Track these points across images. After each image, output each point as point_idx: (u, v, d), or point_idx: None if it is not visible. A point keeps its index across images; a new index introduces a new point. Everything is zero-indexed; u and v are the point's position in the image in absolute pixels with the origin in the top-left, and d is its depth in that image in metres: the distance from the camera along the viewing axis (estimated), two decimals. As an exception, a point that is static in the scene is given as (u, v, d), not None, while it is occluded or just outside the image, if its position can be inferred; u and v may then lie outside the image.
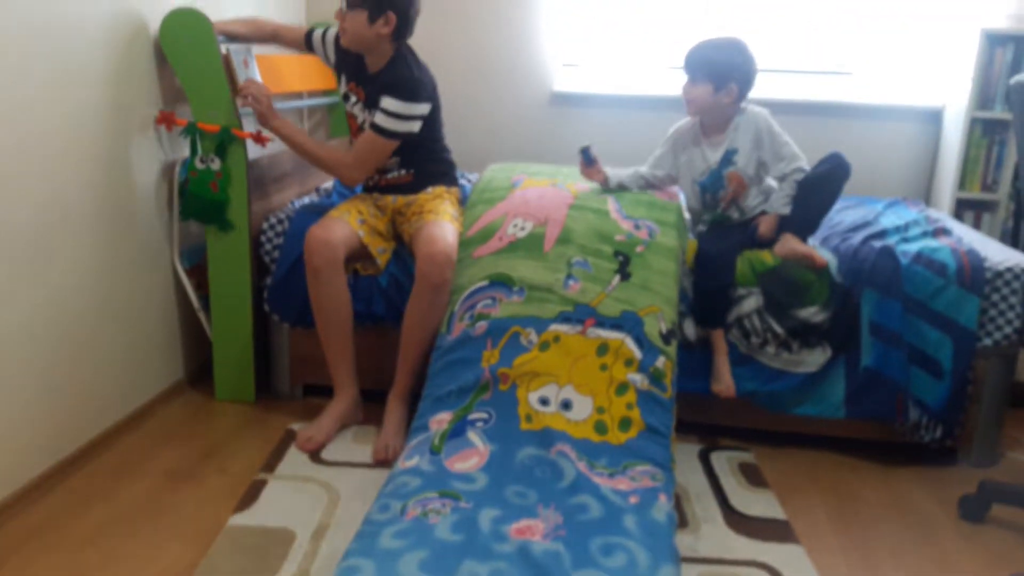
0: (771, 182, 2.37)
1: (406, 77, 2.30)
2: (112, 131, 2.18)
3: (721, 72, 2.25)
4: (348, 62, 2.41)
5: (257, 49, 2.69)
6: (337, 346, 2.32)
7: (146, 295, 2.39)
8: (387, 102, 2.28)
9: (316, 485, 2.03)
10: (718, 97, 2.27)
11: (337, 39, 2.38)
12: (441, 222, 2.32)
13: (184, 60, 2.32)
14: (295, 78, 3.02)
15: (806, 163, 2.29)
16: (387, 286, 2.37)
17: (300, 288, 2.37)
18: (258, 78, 2.61)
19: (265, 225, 2.47)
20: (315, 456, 2.18)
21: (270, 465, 2.12)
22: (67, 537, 1.81)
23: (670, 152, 2.45)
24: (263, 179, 2.52)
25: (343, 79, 2.45)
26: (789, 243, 2.26)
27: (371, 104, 2.35)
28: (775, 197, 2.33)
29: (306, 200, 2.69)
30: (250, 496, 1.96)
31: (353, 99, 2.43)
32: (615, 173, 2.50)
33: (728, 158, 2.33)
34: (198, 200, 2.37)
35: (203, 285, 2.51)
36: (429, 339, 2.24)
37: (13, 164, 1.83)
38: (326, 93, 3.32)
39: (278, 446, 2.23)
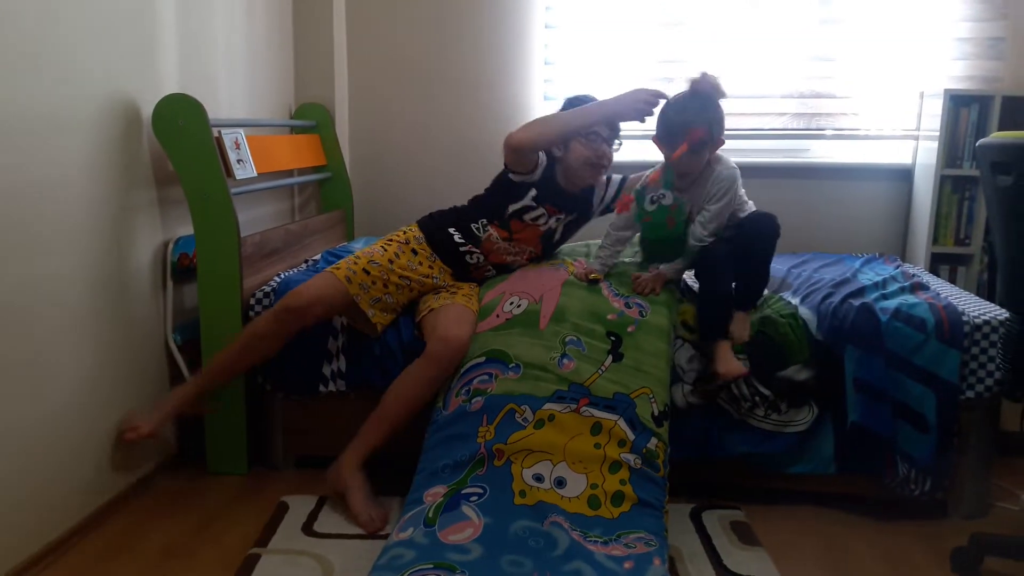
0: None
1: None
2: (105, 211, 2.23)
3: (717, 132, 2.24)
4: (550, 188, 2.42)
5: (248, 130, 2.77)
6: (235, 368, 2.37)
7: (139, 371, 2.42)
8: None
9: (310, 558, 2.02)
10: (711, 154, 2.28)
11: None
12: (458, 306, 2.33)
13: (177, 144, 2.39)
14: (286, 156, 3.10)
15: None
16: (380, 355, 2.41)
17: (294, 357, 2.42)
18: (249, 159, 2.68)
19: (252, 300, 2.52)
20: (307, 528, 2.18)
21: (264, 539, 2.12)
22: (61, 620, 1.80)
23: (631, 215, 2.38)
24: (254, 255, 2.58)
25: (532, 196, 2.41)
26: (740, 331, 2.29)
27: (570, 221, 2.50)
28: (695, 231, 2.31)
29: (292, 272, 2.74)
30: (244, 571, 1.95)
31: (539, 213, 2.44)
32: (597, 257, 2.46)
33: (679, 203, 2.29)
34: (659, 243, 2.32)
35: (196, 361, 2.54)
36: (410, 415, 2.25)
37: (5, 244, 1.87)
38: (316, 170, 3.41)
39: (271, 518, 2.23)
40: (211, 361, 2.40)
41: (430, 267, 2.46)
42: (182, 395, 2.38)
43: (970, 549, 2.04)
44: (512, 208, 2.43)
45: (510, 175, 2.42)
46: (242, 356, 2.36)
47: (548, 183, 2.43)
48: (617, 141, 2.43)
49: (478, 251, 2.47)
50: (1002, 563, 2.05)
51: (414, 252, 2.45)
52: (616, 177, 2.62)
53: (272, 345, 2.35)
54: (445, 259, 2.48)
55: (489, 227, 2.45)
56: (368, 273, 2.35)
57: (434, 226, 2.50)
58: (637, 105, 2.26)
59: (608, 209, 2.59)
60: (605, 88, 3.32)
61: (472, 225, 2.46)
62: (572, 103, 2.44)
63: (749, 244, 2.30)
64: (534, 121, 2.40)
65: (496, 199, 2.46)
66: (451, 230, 2.47)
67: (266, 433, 2.57)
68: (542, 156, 2.40)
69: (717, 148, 2.28)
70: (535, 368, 2.19)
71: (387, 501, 2.29)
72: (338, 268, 2.36)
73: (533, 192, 2.41)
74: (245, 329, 2.38)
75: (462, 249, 2.46)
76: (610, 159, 2.42)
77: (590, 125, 2.34)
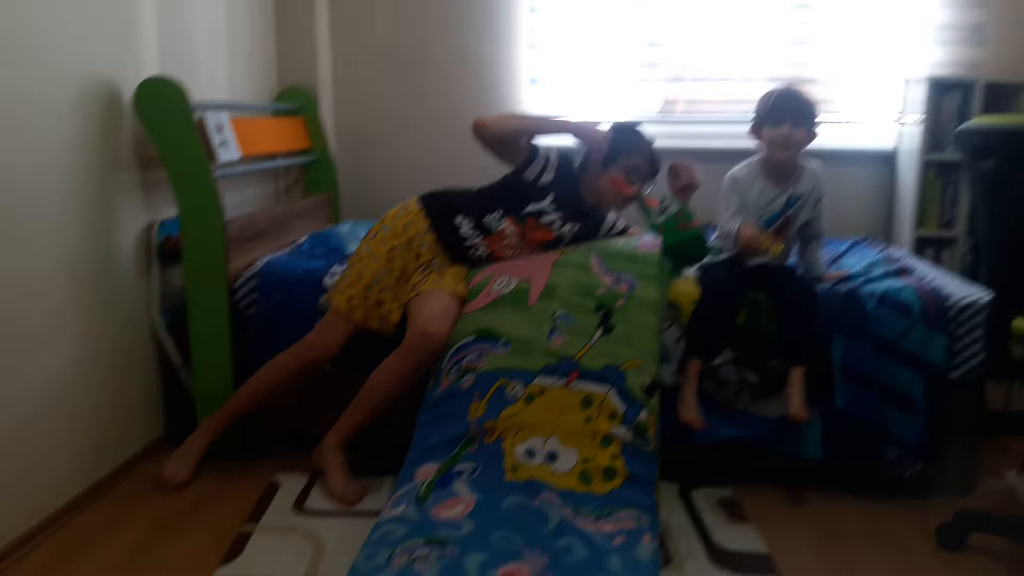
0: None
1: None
2: (89, 194, 2.21)
3: (815, 119, 2.41)
4: (569, 198, 2.43)
5: (231, 113, 2.75)
6: (253, 406, 2.39)
7: (126, 354, 2.40)
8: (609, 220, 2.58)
9: (301, 536, 2.02)
10: (808, 140, 2.41)
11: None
12: (444, 294, 2.31)
13: (158, 127, 2.36)
14: (270, 139, 3.08)
15: None
16: (368, 337, 2.40)
17: (280, 338, 2.41)
18: (233, 142, 2.66)
19: (238, 283, 2.50)
20: (298, 506, 2.18)
21: (255, 516, 2.11)
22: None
23: (737, 198, 2.46)
24: (239, 237, 2.55)
25: (551, 200, 2.42)
26: (798, 395, 2.27)
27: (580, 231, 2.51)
28: (817, 262, 2.57)
29: (277, 254, 2.71)
30: (236, 548, 1.95)
31: (554, 218, 2.44)
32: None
33: (792, 203, 2.45)
34: (679, 245, 2.38)
35: (183, 343, 2.52)
36: (389, 402, 2.27)
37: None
38: (300, 153, 3.38)
39: (262, 497, 2.23)
40: (229, 403, 2.39)
41: (427, 250, 2.41)
42: (203, 438, 2.38)
43: (955, 525, 2.07)
44: (531, 208, 2.42)
45: (522, 175, 2.41)
46: (263, 398, 2.39)
47: (568, 192, 2.43)
48: (651, 184, 2.48)
49: (484, 245, 2.44)
50: (987, 539, 2.08)
51: (419, 235, 2.40)
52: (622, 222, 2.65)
53: (294, 386, 2.40)
54: (445, 243, 2.43)
55: (505, 219, 2.42)
56: (382, 304, 2.35)
57: (439, 212, 2.44)
58: (601, 143, 2.37)
59: (611, 236, 2.60)
60: (589, 71, 3.33)
61: (487, 216, 2.43)
62: (563, 164, 2.44)
63: (789, 296, 2.34)
64: (505, 116, 2.53)
65: (515, 195, 2.43)
66: (458, 219, 2.43)
67: (256, 414, 2.55)
68: (548, 160, 2.41)
69: (814, 139, 2.44)
70: (524, 343, 2.19)
71: (379, 480, 2.30)
72: (352, 308, 2.33)
73: (552, 196, 2.41)
74: (265, 373, 2.37)
75: (467, 243, 2.43)
76: (635, 198, 2.45)
77: (547, 131, 2.41)
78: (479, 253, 2.45)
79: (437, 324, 2.23)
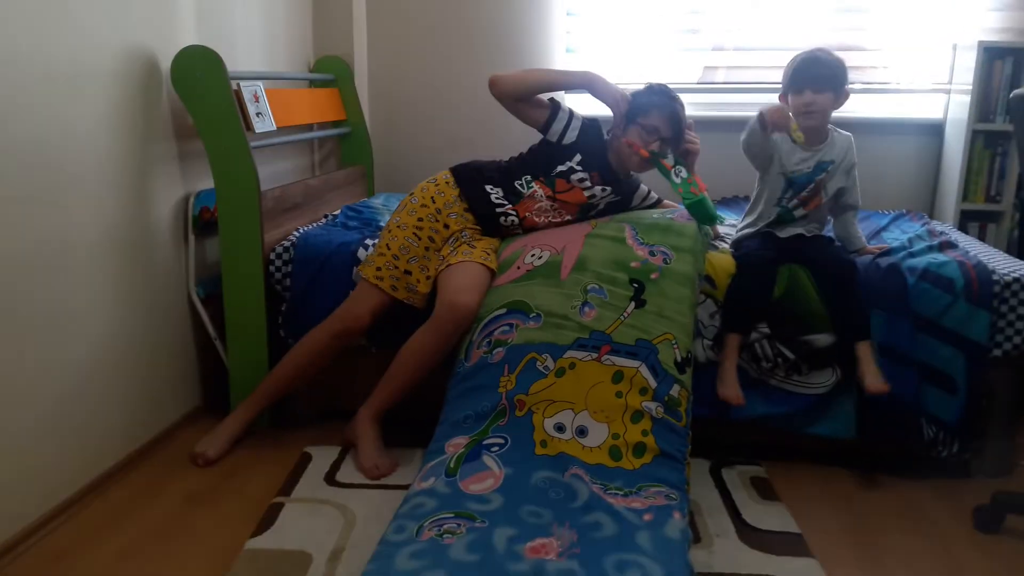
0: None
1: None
2: (126, 165, 2.24)
3: (840, 80, 2.35)
4: (597, 159, 2.44)
5: (267, 83, 2.75)
6: (290, 383, 2.41)
7: (163, 325, 2.44)
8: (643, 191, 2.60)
9: (332, 507, 2.05)
10: (836, 104, 2.36)
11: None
12: (474, 265, 2.31)
13: (196, 96, 2.37)
14: (305, 110, 3.08)
15: None
16: (400, 312, 2.41)
17: (314, 310, 2.43)
18: (269, 112, 2.67)
19: (272, 255, 2.52)
20: (330, 478, 2.21)
21: (287, 488, 2.15)
22: (90, 561, 1.84)
23: (779, 140, 2.40)
24: (274, 209, 2.57)
25: (578, 160, 2.43)
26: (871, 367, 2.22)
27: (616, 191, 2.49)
28: (855, 234, 2.51)
29: (311, 227, 2.73)
30: (267, 519, 1.98)
31: (584, 176, 2.44)
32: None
33: (823, 167, 2.39)
34: (694, 205, 2.34)
35: (218, 314, 2.56)
36: (421, 375, 2.27)
37: (29, 197, 1.88)
38: (335, 124, 3.39)
39: (294, 469, 2.26)
40: (266, 382, 2.40)
41: (460, 219, 2.42)
42: (239, 419, 2.39)
43: (992, 507, 2.03)
44: (559, 168, 2.42)
45: (546, 136, 2.44)
46: (299, 375, 2.40)
47: (595, 154, 2.43)
48: (671, 154, 2.39)
49: (515, 213, 2.44)
50: (1023, 522, 2.04)
51: (448, 204, 2.42)
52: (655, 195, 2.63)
53: (328, 362, 2.40)
54: (478, 215, 2.43)
55: (534, 183, 2.43)
56: (410, 273, 2.35)
57: (470, 178, 2.46)
58: (619, 100, 2.36)
59: (644, 207, 2.60)
60: (627, 40, 3.27)
61: (516, 182, 2.44)
62: (587, 129, 2.45)
63: (834, 274, 2.30)
64: (520, 72, 2.53)
65: (542, 159, 2.45)
66: (488, 187, 2.44)
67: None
68: (572, 118, 2.43)
69: (843, 101, 2.39)
70: (556, 317, 2.18)
71: (409, 453, 2.32)
72: (380, 278, 2.33)
73: (579, 157, 2.42)
74: (299, 350, 2.37)
75: (499, 210, 2.43)
76: (652, 160, 2.40)
77: (564, 86, 2.56)
78: (510, 220, 2.44)
79: (465, 295, 2.23)
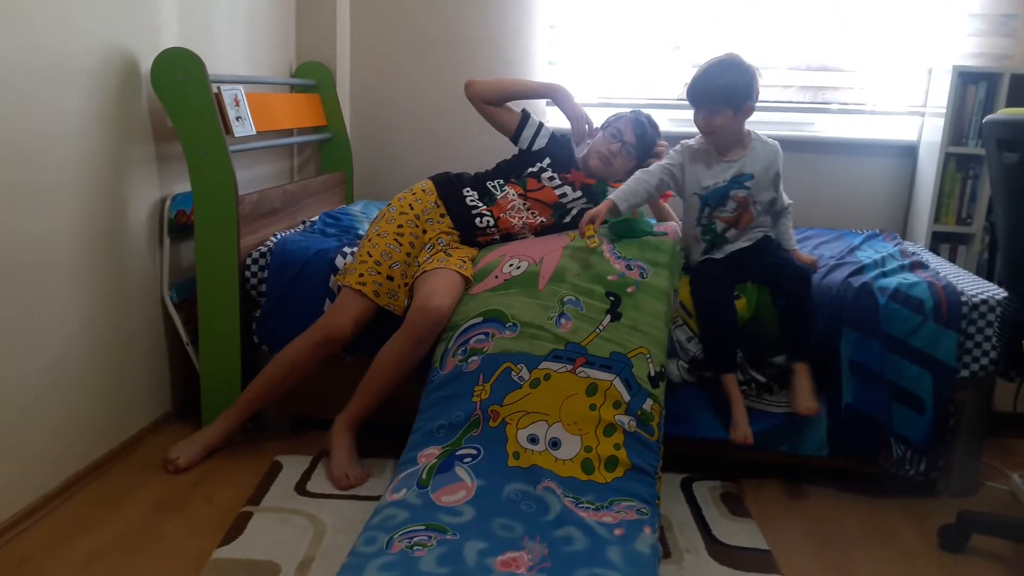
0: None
1: None
2: (103, 166, 2.21)
3: (737, 94, 2.26)
4: (566, 162, 2.56)
5: (247, 87, 2.74)
6: (271, 393, 2.37)
7: (135, 329, 2.42)
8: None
9: (302, 517, 2.04)
10: (737, 119, 2.30)
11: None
12: (448, 272, 2.33)
13: (175, 99, 2.36)
14: (285, 115, 3.07)
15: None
16: (375, 319, 2.40)
17: (289, 317, 2.42)
18: (249, 116, 2.66)
19: (248, 260, 2.51)
20: (300, 487, 2.19)
21: (256, 497, 2.13)
22: (57, 568, 1.81)
23: (678, 165, 2.39)
24: (252, 214, 2.56)
25: (548, 163, 2.55)
26: (805, 387, 2.26)
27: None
28: (786, 235, 2.47)
29: (288, 232, 2.72)
30: (236, 528, 1.97)
31: (553, 175, 2.55)
32: (617, 194, 2.38)
33: (740, 181, 2.34)
34: (620, 225, 2.45)
35: (192, 319, 2.54)
36: (396, 381, 2.27)
37: (1, 196, 1.86)
38: (316, 130, 3.38)
39: (264, 477, 2.24)
40: (247, 393, 2.37)
41: (437, 226, 2.47)
42: (219, 431, 2.37)
43: (957, 527, 2.05)
44: (530, 169, 2.55)
45: (518, 143, 2.60)
46: (280, 385, 2.37)
47: (564, 159, 2.56)
48: (632, 149, 2.50)
49: (489, 214, 2.49)
50: (989, 541, 2.07)
51: (425, 211, 2.47)
52: None
53: (311, 371, 2.37)
54: (455, 218, 2.49)
55: (507, 186, 2.53)
56: (392, 279, 2.35)
57: (449, 183, 2.55)
58: (579, 116, 2.55)
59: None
60: (608, 53, 3.29)
61: (489, 183, 2.54)
62: (556, 140, 2.60)
63: (789, 290, 2.30)
64: (494, 79, 2.71)
65: (514, 164, 2.59)
66: (464, 191, 2.53)
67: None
68: (541, 127, 2.58)
69: (749, 114, 2.32)
70: (532, 327, 2.19)
71: (382, 462, 2.31)
72: (363, 284, 2.32)
73: (548, 160, 2.55)
74: (281, 360, 2.35)
75: (474, 211, 2.49)
76: (619, 159, 2.49)
77: (533, 94, 2.70)
78: (485, 222, 2.49)
79: (437, 299, 2.24)
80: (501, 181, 2.54)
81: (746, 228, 2.38)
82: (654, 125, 2.57)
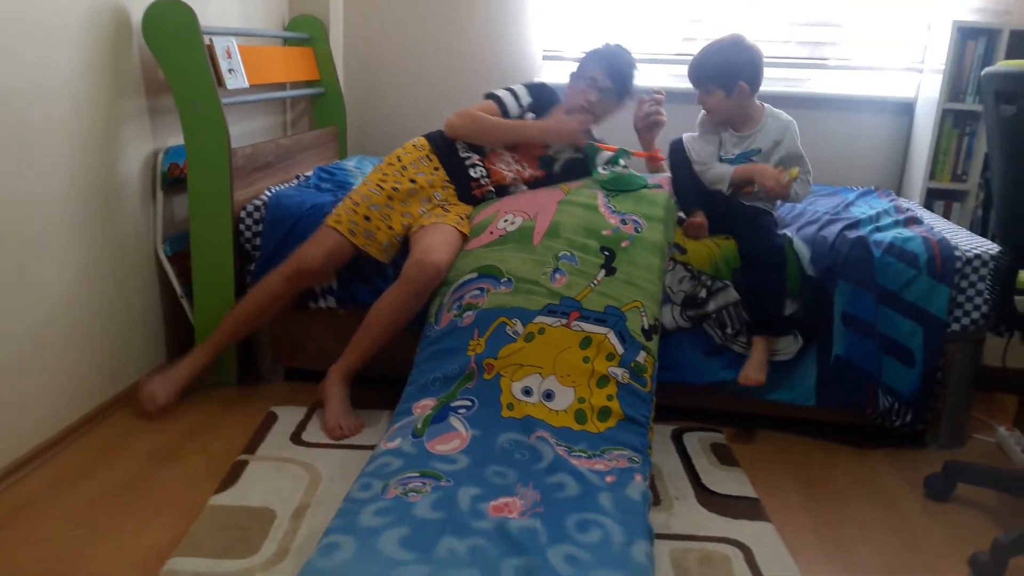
0: None
1: None
2: (95, 118, 2.20)
3: (727, 74, 2.32)
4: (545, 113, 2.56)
5: (240, 40, 2.71)
6: (245, 327, 2.39)
7: (129, 281, 2.42)
8: None
9: (297, 466, 2.06)
10: (732, 99, 2.34)
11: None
12: (446, 227, 2.34)
13: (167, 51, 2.33)
14: (278, 69, 3.04)
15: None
16: (370, 274, 2.42)
17: (283, 271, 2.42)
18: (241, 69, 2.63)
19: (243, 213, 2.50)
20: (296, 437, 2.21)
21: (252, 446, 2.15)
22: (52, 515, 1.83)
23: (703, 141, 2.45)
24: (245, 167, 2.55)
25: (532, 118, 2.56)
26: (757, 360, 2.30)
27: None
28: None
29: (283, 187, 2.71)
30: (232, 476, 1.99)
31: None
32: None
33: (747, 155, 2.40)
34: (616, 181, 2.47)
35: (185, 272, 2.54)
36: (391, 334, 2.28)
37: (-4, 150, 1.85)
38: (309, 84, 3.35)
39: (260, 427, 2.26)
40: (221, 327, 2.38)
41: (431, 178, 2.46)
42: (194, 364, 2.37)
43: (943, 476, 2.09)
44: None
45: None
46: (254, 319, 2.39)
47: (546, 109, 2.57)
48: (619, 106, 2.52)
49: (481, 164, 2.50)
50: (974, 491, 2.10)
51: (414, 163, 2.47)
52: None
53: (284, 305, 2.39)
54: (449, 171, 2.49)
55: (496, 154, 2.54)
56: (369, 220, 2.35)
57: (441, 138, 2.54)
58: (568, 136, 2.51)
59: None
60: (605, 7, 3.24)
61: (477, 154, 2.54)
62: (537, 90, 2.60)
63: (758, 273, 2.31)
64: (476, 119, 2.50)
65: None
66: (456, 144, 2.52)
67: (256, 345, 2.58)
68: (515, 104, 2.55)
69: (746, 93, 2.35)
70: (527, 283, 2.20)
71: (377, 414, 2.33)
72: (339, 221, 2.34)
73: (532, 116, 2.55)
74: (254, 293, 2.37)
75: (467, 162, 2.50)
76: (597, 106, 2.49)
77: (520, 142, 2.53)
78: (479, 172, 2.50)
79: (434, 254, 2.24)
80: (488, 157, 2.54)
81: (749, 198, 2.42)
82: (625, 57, 2.52)
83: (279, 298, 2.36)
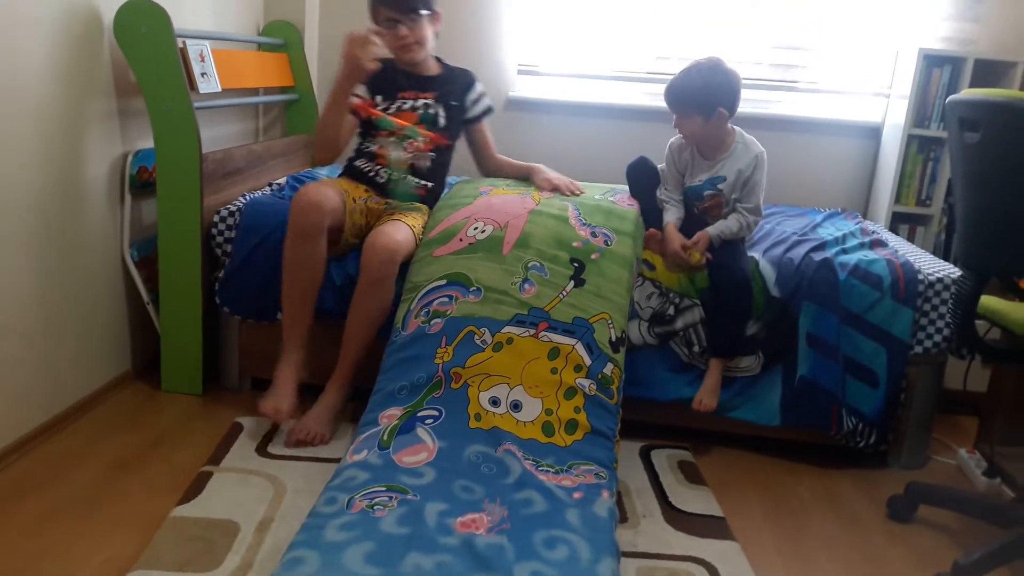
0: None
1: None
2: (62, 119, 2.16)
3: (706, 100, 2.31)
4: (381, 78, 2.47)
5: (213, 44, 2.69)
6: (301, 307, 2.30)
7: (95, 287, 2.37)
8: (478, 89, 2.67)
9: (262, 478, 2.03)
10: (710, 124, 2.34)
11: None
12: (398, 222, 2.35)
13: (138, 52, 2.30)
14: (252, 74, 3.02)
15: (758, 220, 2.44)
16: (341, 284, 2.39)
17: (252, 281, 2.39)
18: (214, 73, 2.61)
19: (216, 218, 2.47)
20: (261, 449, 2.18)
21: (216, 457, 2.12)
22: (10, 525, 1.79)
23: (671, 167, 2.49)
24: (215, 173, 2.52)
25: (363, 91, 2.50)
26: (711, 383, 2.34)
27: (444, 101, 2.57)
28: (722, 224, 2.38)
29: (258, 194, 2.68)
30: (195, 488, 1.96)
31: (400, 104, 2.54)
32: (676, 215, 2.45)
33: (713, 183, 2.41)
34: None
35: (152, 278, 2.50)
36: (367, 334, 2.27)
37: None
38: (282, 90, 3.32)
39: (225, 438, 2.22)
40: (287, 320, 2.30)
41: (371, 199, 2.49)
42: (295, 364, 2.29)
43: (906, 497, 2.12)
44: (378, 120, 2.47)
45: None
46: (303, 292, 2.28)
47: (384, 87, 2.53)
48: (421, 13, 2.48)
49: (379, 167, 2.52)
50: (935, 512, 2.13)
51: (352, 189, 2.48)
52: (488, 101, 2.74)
53: (319, 263, 2.27)
54: (369, 186, 2.52)
55: (368, 140, 2.55)
56: (347, 193, 2.38)
57: (348, 163, 2.60)
58: (351, 62, 2.31)
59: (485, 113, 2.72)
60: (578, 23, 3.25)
61: (363, 147, 2.57)
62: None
63: (723, 297, 2.32)
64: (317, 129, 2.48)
65: (366, 128, 2.55)
66: (357, 162, 2.56)
67: (222, 356, 2.55)
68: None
69: (724, 119, 2.36)
70: (496, 292, 2.20)
71: (344, 427, 2.31)
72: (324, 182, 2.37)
73: (362, 88, 2.48)
74: (285, 273, 2.28)
75: (370, 174, 2.52)
76: (415, 35, 2.48)
77: (338, 100, 2.38)
78: (367, 167, 2.53)
79: (384, 237, 2.25)
80: (369, 144, 2.54)
81: (714, 219, 2.44)
82: None
83: (309, 257, 2.25)
